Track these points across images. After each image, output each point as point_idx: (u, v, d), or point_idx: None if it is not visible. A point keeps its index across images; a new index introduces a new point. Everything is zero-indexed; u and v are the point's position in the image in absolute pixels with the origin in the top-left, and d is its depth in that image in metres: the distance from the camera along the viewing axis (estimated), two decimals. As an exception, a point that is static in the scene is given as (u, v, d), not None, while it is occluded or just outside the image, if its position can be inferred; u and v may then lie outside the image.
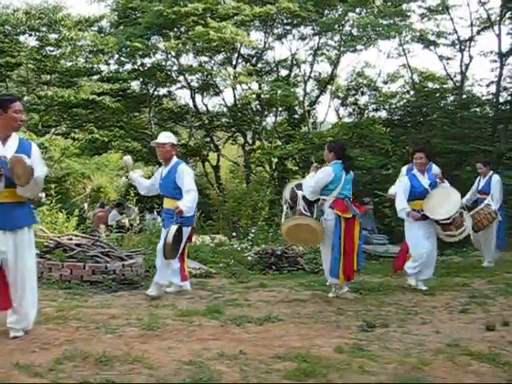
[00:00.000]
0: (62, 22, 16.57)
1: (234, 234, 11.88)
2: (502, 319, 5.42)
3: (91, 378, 3.67)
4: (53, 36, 17.05)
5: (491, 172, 9.55)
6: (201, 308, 5.87)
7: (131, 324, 5.24)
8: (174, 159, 6.87)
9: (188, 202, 6.45)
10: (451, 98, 19.31)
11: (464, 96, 18.71)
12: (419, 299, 6.65)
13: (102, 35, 18.49)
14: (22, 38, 17.32)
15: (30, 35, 17.19)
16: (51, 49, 17.31)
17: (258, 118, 20.81)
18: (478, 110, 18.70)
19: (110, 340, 4.69)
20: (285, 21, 19.70)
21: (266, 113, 21.17)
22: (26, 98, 16.12)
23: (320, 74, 21.63)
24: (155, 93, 21.37)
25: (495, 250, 9.37)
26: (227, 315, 5.64)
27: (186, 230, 6.66)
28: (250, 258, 9.52)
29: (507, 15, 17.39)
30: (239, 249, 10.11)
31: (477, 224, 8.69)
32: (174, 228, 6.26)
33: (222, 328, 5.18)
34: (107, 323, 5.25)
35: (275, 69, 21.31)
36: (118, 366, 3.96)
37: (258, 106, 20.90)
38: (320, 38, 20.18)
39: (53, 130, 19.05)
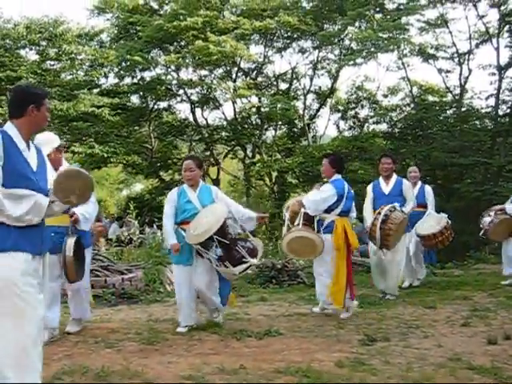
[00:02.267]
0: (62, 36, 16.71)
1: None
2: (503, 332, 5.37)
3: (90, 394, 3.64)
4: (53, 50, 17.15)
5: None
6: (200, 322, 5.83)
7: (130, 338, 5.21)
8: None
9: (86, 212, 5.12)
10: (451, 111, 19.35)
11: (463, 109, 18.75)
12: (420, 313, 6.61)
13: (103, 49, 18.59)
14: (22, 52, 17.44)
15: (31, 49, 17.34)
16: (51, 63, 17.44)
17: (257, 131, 20.85)
18: (477, 122, 18.74)
19: (109, 355, 4.65)
20: (284, 34, 19.82)
21: (265, 126, 21.22)
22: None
23: (320, 87, 21.74)
24: (155, 106, 21.44)
25: None
26: (227, 329, 5.60)
27: (88, 252, 5.49)
28: (249, 271, 9.47)
29: (505, 28, 17.48)
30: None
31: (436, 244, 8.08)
32: (71, 241, 4.93)
33: (222, 342, 5.15)
34: (106, 338, 5.22)
35: (275, 82, 21.40)
36: (117, 381, 3.93)
37: (258, 120, 20.96)
38: (319, 52, 20.31)
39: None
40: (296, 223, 6.42)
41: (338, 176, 6.72)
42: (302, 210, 6.46)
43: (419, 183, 8.36)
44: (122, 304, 7.13)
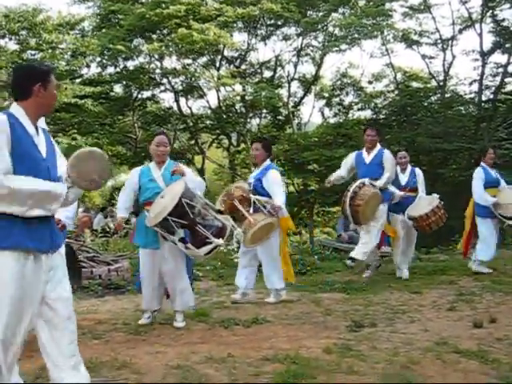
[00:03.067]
0: (42, 25, 16.46)
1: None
2: (489, 316, 5.42)
3: (77, 385, 3.61)
4: (33, 39, 16.92)
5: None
6: (188, 311, 5.83)
7: (118, 329, 5.19)
8: None
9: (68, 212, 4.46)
10: (435, 97, 19.42)
11: (447, 95, 18.82)
12: (406, 298, 6.65)
13: (84, 38, 18.37)
14: (1, 42, 17.18)
15: (10, 39, 17.05)
16: (32, 52, 17.19)
17: (242, 119, 20.79)
18: (461, 108, 18.82)
19: (97, 346, 4.64)
20: (268, 22, 19.72)
21: (250, 114, 21.16)
22: (6, 103, 15.95)
23: (304, 75, 21.69)
24: (139, 96, 21.29)
25: None
26: (215, 318, 5.61)
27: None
28: (236, 260, 9.47)
29: (488, 14, 17.53)
30: (226, 251, 10.06)
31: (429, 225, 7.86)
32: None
33: (210, 331, 5.15)
34: (94, 329, 5.20)
35: (259, 70, 21.31)
36: (105, 372, 3.92)
37: (243, 108, 20.89)
38: (303, 39, 20.23)
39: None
40: (251, 210, 6.24)
41: (269, 161, 6.62)
42: (251, 195, 6.32)
43: (409, 167, 8.28)
44: (109, 295, 7.10)
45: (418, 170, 8.35)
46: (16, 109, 3.11)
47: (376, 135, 7.76)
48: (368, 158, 7.71)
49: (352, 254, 7.58)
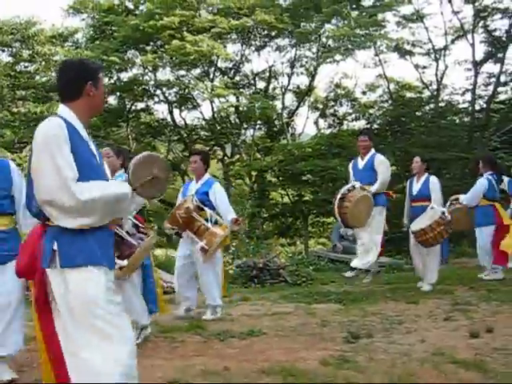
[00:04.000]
0: (36, 38, 16.50)
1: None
2: (485, 325, 5.40)
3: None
4: (26, 51, 16.94)
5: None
6: (183, 324, 5.78)
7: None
8: None
9: None
10: (428, 107, 19.50)
11: (441, 104, 18.90)
12: (402, 308, 6.62)
13: (78, 50, 18.39)
14: (-6, 54, 17.19)
15: (3, 51, 17.08)
16: (25, 64, 17.21)
17: (236, 130, 20.80)
18: (454, 118, 18.90)
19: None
20: (262, 33, 19.78)
21: (244, 126, 21.17)
22: (-1, 115, 15.97)
23: (298, 86, 21.75)
24: (132, 107, 21.30)
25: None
26: (210, 330, 5.56)
27: None
28: (231, 271, 9.44)
29: (480, 24, 17.65)
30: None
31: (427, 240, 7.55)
32: None
33: (205, 344, 5.11)
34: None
35: (253, 81, 21.36)
36: None
37: (237, 119, 20.91)
38: (297, 50, 20.31)
39: (29, 146, 18.83)
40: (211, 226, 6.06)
41: (208, 174, 6.46)
42: (207, 209, 6.13)
43: (425, 175, 7.91)
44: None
45: (432, 179, 7.90)
46: (66, 111, 2.86)
47: (368, 140, 7.80)
48: (362, 163, 7.78)
49: (353, 264, 7.60)
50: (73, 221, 2.68)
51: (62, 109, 2.87)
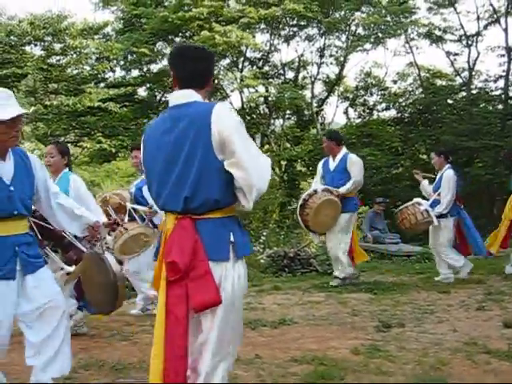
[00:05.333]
0: (67, 31, 16.70)
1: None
2: (519, 316, 5.35)
3: (107, 386, 3.65)
4: (58, 45, 17.17)
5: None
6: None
7: (145, 330, 5.22)
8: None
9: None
10: (460, 95, 19.20)
11: (473, 92, 18.61)
12: (434, 298, 6.59)
13: (108, 42, 18.56)
14: (27, 49, 17.41)
15: (36, 45, 17.31)
16: (57, 58, 17.43)
17: (265, 120, 20.78)
18: (487, 105, 18.58)
19: (125, 347, 4.68)
20: (290, 22, 19.68)
21: (273, 115, 21.14)
22: (33, 109, 16.20)
23: (327, 75, 21.61)
24: (162, 98, 21.40)
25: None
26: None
27: None
28: (262, 260, 9.49)
29: (513, 9, 17.29)
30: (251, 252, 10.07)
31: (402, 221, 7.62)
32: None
33: (237, 332, 5.15)
34: (121, 330, 5.24)
35: (282, 71, 21.28)
36: (133, 373, 3.95)
37: (266, 109, 20.88)
38: (326, 39, 20.16)
39: (62, 138, 19.13)
40: (125, 219, 5.87)
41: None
42: (128, 204, 6.00)
43: (445, 167, 7.61)
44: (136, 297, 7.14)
45: (446, 173, 7.54)
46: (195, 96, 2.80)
47: (331, 141, 7.45)
48: (333, 164, 7.45)
49: (335, 274, 7.51)
50: None
51: (190, 92, 2.79)
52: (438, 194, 7.55)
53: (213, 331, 2.67)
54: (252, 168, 2.63)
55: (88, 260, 3.87)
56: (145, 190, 5.92)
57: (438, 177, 7.75)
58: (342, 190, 7.18)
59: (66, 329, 3.46)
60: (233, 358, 2.83)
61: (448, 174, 7.51)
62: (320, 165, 7.74)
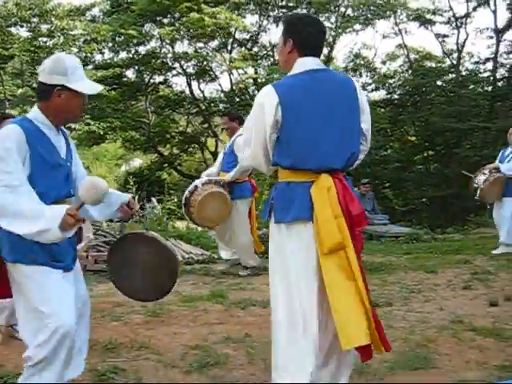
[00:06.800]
0: (53, 12, 16.51)
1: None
2: (504, 294, 5.44)
3: (99, 366, 3.69)
4: (45, 26, 16.98)
5: None
6: (205, 293, 5.88)
7: (136, 311, 5.25)
8: None
9: None
10: (448, 77, 19.25)
11: (462, 74, 18.66)
12: (422, 277, 6.67)
13: (95, 24, 18.39)
14: (13, 30, 17.25)
15: (22, 26, 17.13)
16: (44, 39, 17.25)
17: (255, 102, 20.74)
18: (475, 87, 18.65)
19: (116, 327, 4.70)
20: (280, 3, 19.59)
21: (263, 97, 21.07)
22: (20, 91, 16.06)
23: (317, 56, 21.54)
24: (151, 80, 21.31)
25: None
26: (231, 299, 5.65)
27: None
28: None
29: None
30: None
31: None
32: None
33: (227, 312, 5.20)
34: (112, 311, 5.26)
35: (271, 53, 21.21)
36: (124, 353, 3.98)
37: (256, 91, 20.82)
38: (315, 20, 20.07)
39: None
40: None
41: None
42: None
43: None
44: (126, 278, 7.18)
45: None
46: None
47: (228, 121, 6.83)
48: (226, 146, 6.97)
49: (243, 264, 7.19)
50: None
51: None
52: None
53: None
54: None
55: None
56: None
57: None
58: (227, 178, 6.53)
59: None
60: None
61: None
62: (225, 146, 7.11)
